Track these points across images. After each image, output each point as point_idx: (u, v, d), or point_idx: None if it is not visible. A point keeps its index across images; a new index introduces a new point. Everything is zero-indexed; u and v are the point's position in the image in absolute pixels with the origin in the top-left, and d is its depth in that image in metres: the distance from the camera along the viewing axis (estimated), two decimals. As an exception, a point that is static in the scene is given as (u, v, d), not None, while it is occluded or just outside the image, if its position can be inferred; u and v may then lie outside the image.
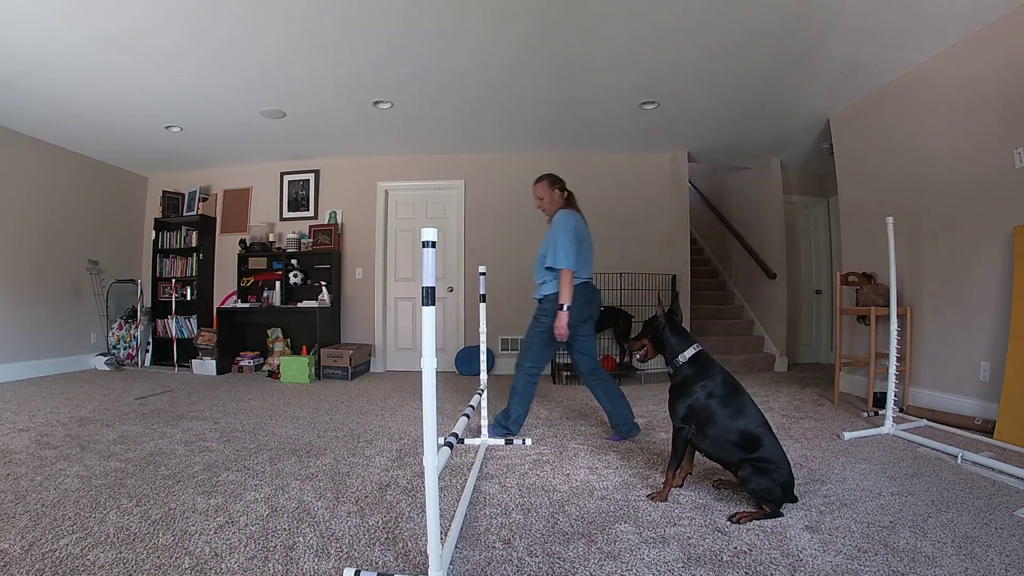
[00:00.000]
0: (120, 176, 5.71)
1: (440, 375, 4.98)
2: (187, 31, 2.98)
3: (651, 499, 1.88)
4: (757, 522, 1.69)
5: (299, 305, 5.19)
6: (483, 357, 2.72)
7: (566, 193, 2.82)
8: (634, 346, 2.15)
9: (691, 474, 2.05)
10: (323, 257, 5.40)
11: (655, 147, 5.18)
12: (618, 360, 4.71)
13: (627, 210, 5.37)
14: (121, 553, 1.47)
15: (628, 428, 2.69)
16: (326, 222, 5.49)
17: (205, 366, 5.02)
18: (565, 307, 2.51)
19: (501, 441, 2.63)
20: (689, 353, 1.94)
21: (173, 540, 1.56)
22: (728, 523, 1.69)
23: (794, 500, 1.81)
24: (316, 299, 5.20)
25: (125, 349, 5.49)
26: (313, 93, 3.88)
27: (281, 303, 5.29)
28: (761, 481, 1.72)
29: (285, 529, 1.65)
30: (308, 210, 5.60)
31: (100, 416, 3.18)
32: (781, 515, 1.73)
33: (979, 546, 1.52)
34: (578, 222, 2.67)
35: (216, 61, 3.35)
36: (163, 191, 5.70)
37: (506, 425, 2.69)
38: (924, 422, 2.97)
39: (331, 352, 4.79)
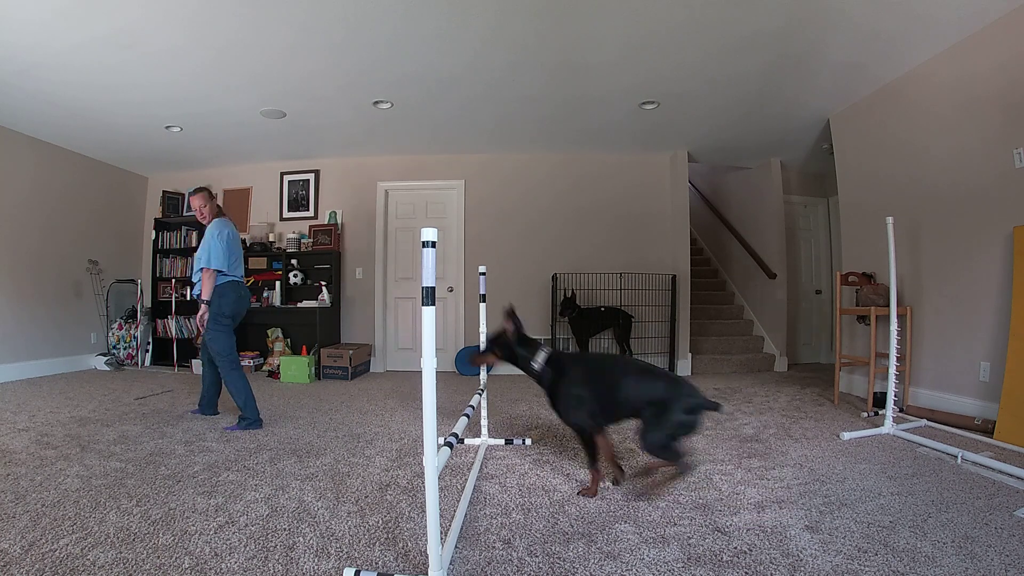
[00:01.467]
0: (120, 176, 5.71)
1: (440, 375, 4.98)
2: (187, 31, 2.99)
3: (582, 495, 1.92)
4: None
5: (299, 305, 5.19)
6: (483, 357, 2.71)
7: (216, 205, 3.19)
8: (476, 361, 2.22)
9: (622, 468, 2.10)
10: (323, 257, 5.40)
11: (655, 147, 5.18)
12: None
13: (627, 210, 5.38)
14: (121, 553, 1.47)
15: (208, 410, 3.18)
16: (326, 222, 5.49)
17: (205, 366, 5.02)
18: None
19: (501, 441, 2.63)
20: (541, 358, 2.03)
21: (173, 540, 1.56)
22: (727, 523, 1.69)
23: (715, 408, 1.84)
24: (316, 299, 5.20)
25: (125, 349, 5.49)
26: (313, 93, 3.88)
27: (281, 303, 5.29)
28: (653, 436, 1.78)
29: (285, 529, 1.65)
30: (308, 210, 5.60)
31: (100, 416, 3.18)
32: (690, 468, 1.80)
33: (979, 546, 1.52)
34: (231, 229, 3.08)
35: (216, 61, 3.35)
36: (163, 191, 5.72)
37: (245, 416, 2.91)
38: (924, 422, 2.97)
39: (331, 352, 4.79)
